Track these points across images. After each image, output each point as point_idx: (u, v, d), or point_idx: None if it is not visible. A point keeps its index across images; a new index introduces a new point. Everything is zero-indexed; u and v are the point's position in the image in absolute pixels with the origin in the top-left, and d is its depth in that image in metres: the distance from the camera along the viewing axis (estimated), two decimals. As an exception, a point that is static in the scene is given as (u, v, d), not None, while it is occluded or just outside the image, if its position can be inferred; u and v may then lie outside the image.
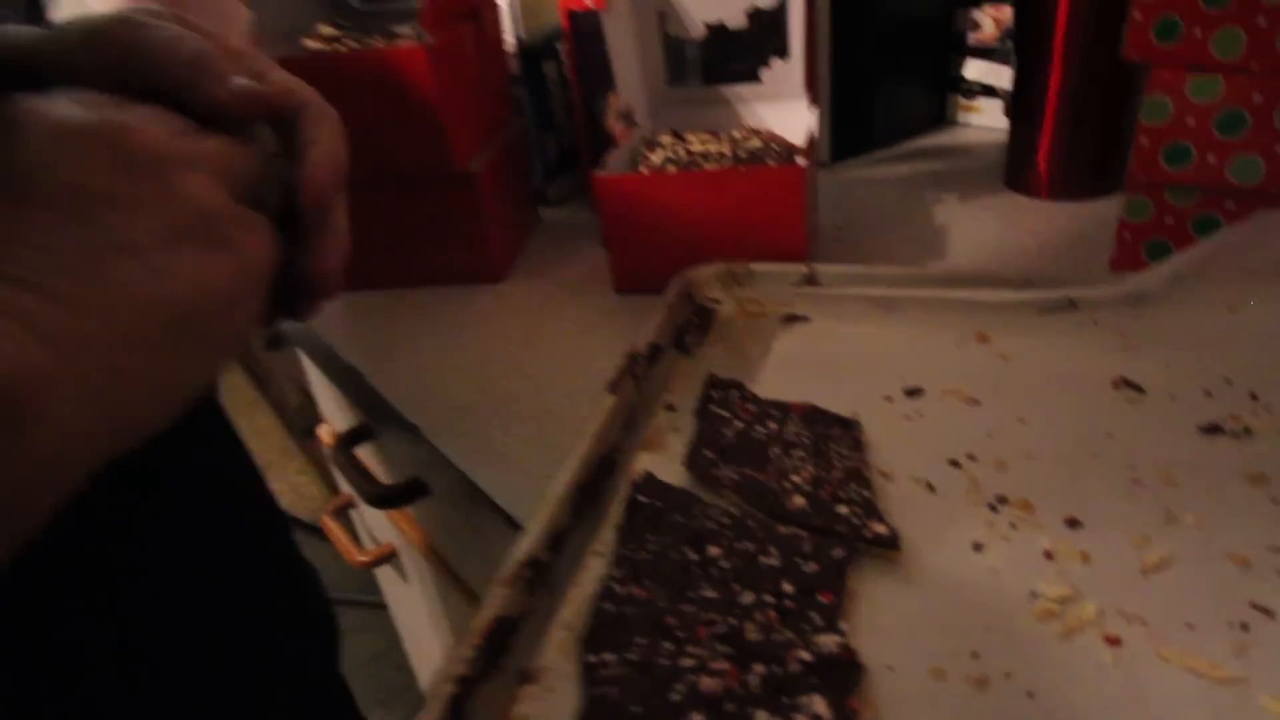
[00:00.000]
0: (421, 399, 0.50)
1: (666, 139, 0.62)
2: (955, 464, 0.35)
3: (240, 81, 0.25)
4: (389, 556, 0.74)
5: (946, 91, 0.85)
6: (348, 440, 0.62)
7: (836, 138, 0.77)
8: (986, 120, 0.84)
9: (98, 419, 0.21)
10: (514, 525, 0.39)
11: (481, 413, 0.48)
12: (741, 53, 0.63)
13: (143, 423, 0.23)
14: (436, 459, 0.46)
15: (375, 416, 0.59)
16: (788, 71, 0.61)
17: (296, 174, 0.27)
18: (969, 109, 0.85)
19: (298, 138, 0.27)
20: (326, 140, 0.28)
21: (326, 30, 0.62)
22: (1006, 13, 0.84)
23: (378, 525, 0.76)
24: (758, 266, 0.49)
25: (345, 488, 0.80)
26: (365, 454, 0.65)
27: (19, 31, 0.27)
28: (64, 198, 0.21)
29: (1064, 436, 0.36)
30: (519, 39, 0.70)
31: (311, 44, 0.61)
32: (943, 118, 0.85)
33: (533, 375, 0.51)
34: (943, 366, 0.42)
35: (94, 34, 0.25)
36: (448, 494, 0.50)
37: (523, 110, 0.73)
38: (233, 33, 0.66)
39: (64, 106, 0.23)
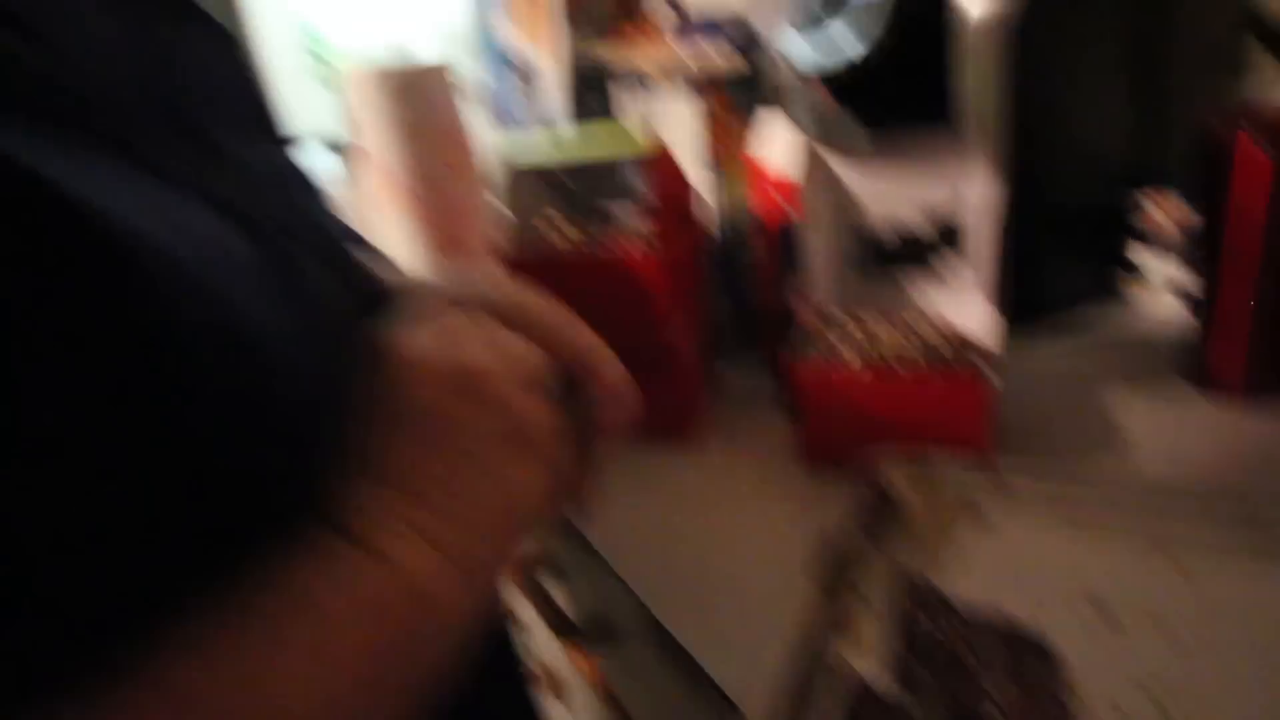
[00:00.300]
0: (619, 548, 0.56)
1: (844, 320, 0.68)
2: (1148, 693, 0.37)
3: (589, 355, 0.34)
4: (556, 684, 0.79)
5: (1115, 269, 0.87)
6: (536, 568, 0.69)
7: (1002, 310, 0.80)
8: (1155, 301, 0.85)
9: (466, 602, 0.28)
10: (715, 690, 0.44)
11: (679, 572, 0.53)
12: (920, 245, 0.69)
13: (486, 601, 0.30)
14: (624, 604, 0.51)
15: (569, 552, 0.66)
16: (964, 267, 0.66)
17: (597, 412, 0.35)
18: (1137, 288, 0.87)
19: (593, 384, 0.35)
20: (622, 391, 0.36)
21: (553, 214, 0.74)
22: (1173, 202, 0.86)
23: (544, 646, 0.82)
24: (942, 461, 0.53)
25: (522, 611, 0.86)
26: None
27: (403, 277, 0.37)
28: (429, 424, 0.29)
29: (1266, 680, 0.37)
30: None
31: (542, 226, 0.72)
32: (1110, 294, 0.87)
33: (725, 541, 0.56)
34: (1129, 583, 0.44)
35: (490, 303, 0.34)
36: (634, 643, 0.55)
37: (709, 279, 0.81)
38: (481, 215, 0.78)
39: (425, 341, 0.30)
